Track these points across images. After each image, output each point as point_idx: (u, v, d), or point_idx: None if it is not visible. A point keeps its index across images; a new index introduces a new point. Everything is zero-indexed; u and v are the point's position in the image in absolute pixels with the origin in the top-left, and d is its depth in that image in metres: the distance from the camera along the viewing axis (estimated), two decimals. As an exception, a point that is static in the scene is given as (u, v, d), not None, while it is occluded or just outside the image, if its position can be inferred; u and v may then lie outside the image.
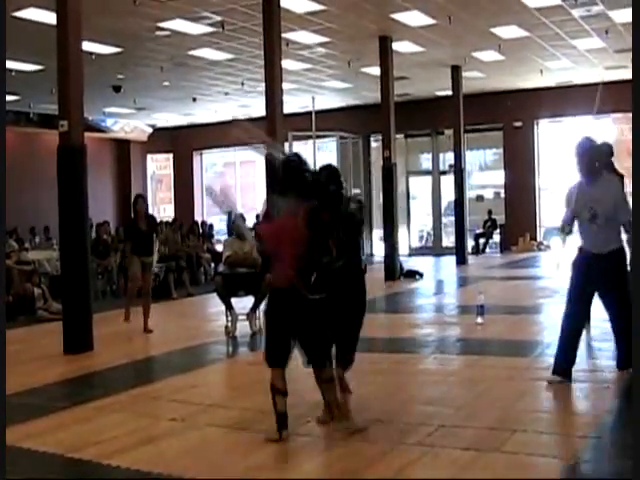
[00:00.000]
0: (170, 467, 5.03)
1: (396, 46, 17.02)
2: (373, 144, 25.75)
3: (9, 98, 20.61)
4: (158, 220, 14.42)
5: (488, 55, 18.46)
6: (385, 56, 17.01)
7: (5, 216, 8.06)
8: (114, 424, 6.04)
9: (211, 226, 22.84)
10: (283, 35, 13.93)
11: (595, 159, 6.80)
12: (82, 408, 6.18)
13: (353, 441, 5.46)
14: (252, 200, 22.00)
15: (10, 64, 16.49)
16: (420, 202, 26.11)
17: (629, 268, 6.78)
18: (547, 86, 22.50)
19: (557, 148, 23.88)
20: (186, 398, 6.72)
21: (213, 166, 30.65)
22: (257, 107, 20.63)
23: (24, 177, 21.72)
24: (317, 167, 6.10)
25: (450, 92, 20.89)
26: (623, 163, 8.98)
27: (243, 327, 10.43)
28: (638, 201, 5.71)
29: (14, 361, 9.08)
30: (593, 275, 6.79)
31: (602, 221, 6.68)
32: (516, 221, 23.79)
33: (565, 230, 7.07)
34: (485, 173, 25.98)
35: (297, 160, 5.74)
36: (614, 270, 6.74)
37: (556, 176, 23.98)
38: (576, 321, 6.96)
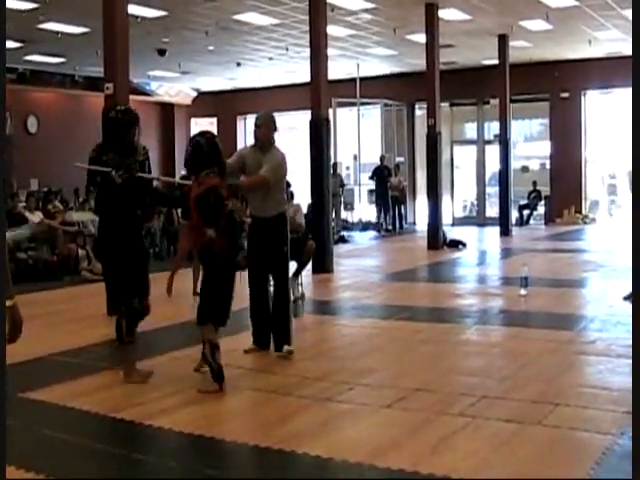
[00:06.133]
0: (212, 429, 5.07)
1: (442, 13, 16.77)
2: (418, 112, 25.47)
3: (56, 60, 20.74)
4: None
5: (536, 24, 18.10)
6: (431, 23, 16.76)
7: (6, 202, 8.02)
8: (156, 385, 6.10)
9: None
10: (328, 0, 13.81)
11: (273, 131, 7.44)
12: (125, 369, 6.26)
13: (395, 409, 5.46)
14: (295, 165, 21.96)
15: (56, 26, 16.58)
16: (464, 172, 25.89)
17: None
18: (596, 57, 22.06)
19: (604, 120, 23.52)
20: (229, 362, 6.73)
21: (256, 131, 30.65)
22: (301, 73, 20.53)
23: (69, 139, 21.82)
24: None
25: (496, 61, 20.62)
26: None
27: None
28: (638, 194, 5.58)
29: (59, 321, 9.23)
30: (260, 238, 7.17)
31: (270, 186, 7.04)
32: (561, 193, 23.46)
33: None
34: (530, 144, 25.68)
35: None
36: (278, 232, 7.16)
37: (603, 148, 23.68)
38: (257, 286, 7.27)
